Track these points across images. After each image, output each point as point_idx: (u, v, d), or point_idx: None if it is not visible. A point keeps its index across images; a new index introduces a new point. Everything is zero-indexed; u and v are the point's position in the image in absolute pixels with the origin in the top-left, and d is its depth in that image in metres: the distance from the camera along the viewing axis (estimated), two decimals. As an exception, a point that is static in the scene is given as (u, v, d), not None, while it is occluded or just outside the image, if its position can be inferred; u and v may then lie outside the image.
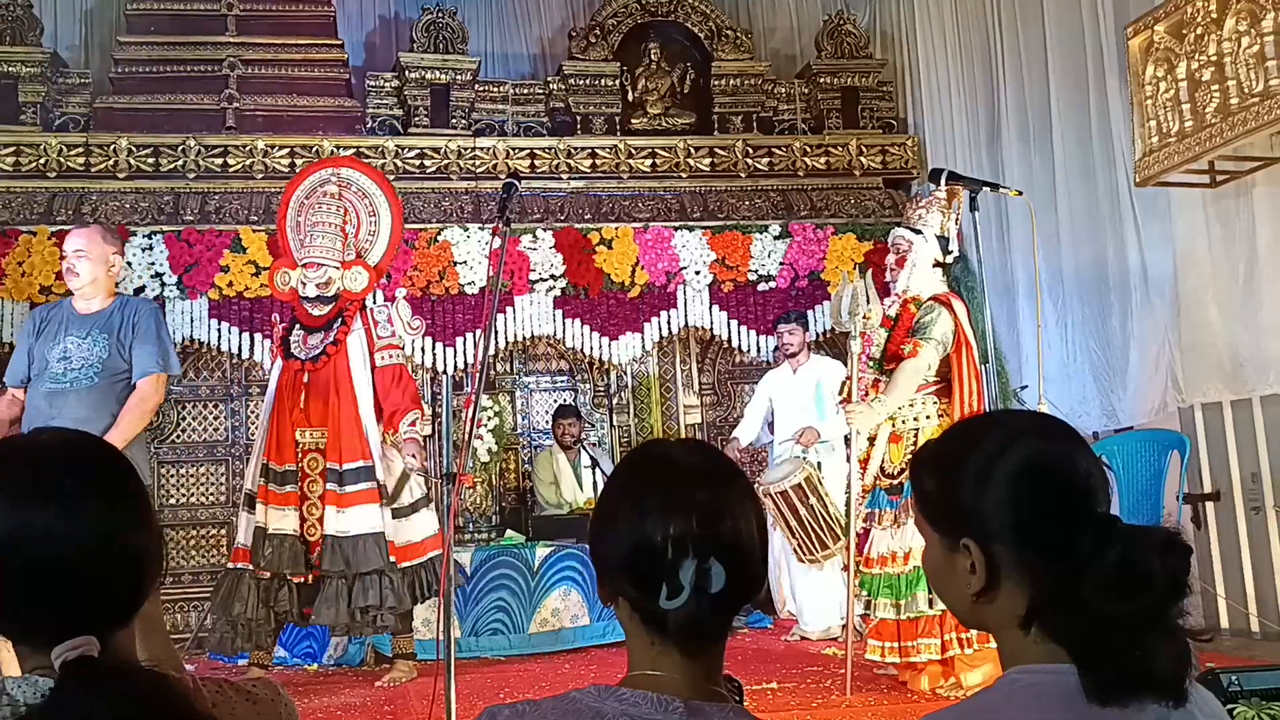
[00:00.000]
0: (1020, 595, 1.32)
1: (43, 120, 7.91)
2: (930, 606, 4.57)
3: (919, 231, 4.94)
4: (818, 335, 8.01)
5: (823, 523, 5.99)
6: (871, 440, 4.91)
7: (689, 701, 1.27)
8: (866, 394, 4.87)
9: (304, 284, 5.63)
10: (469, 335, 7.80)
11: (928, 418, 4.80)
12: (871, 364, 4.95)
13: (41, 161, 7.71)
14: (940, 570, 1.42)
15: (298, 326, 5.70)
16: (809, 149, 8.83)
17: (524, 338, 8.00)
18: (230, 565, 5.56)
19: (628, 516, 1.32)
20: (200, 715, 1.13)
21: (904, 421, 4.84)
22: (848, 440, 4.97)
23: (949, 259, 4.97)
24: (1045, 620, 1.30)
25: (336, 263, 5.62)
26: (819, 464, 6.31)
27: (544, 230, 7.96)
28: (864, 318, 4.85)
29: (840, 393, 5.21)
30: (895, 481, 4.80)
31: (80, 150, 7.83)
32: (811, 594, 6.58)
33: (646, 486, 1.34)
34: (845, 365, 5.46)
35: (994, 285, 7.51)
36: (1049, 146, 7.37)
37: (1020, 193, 4.75)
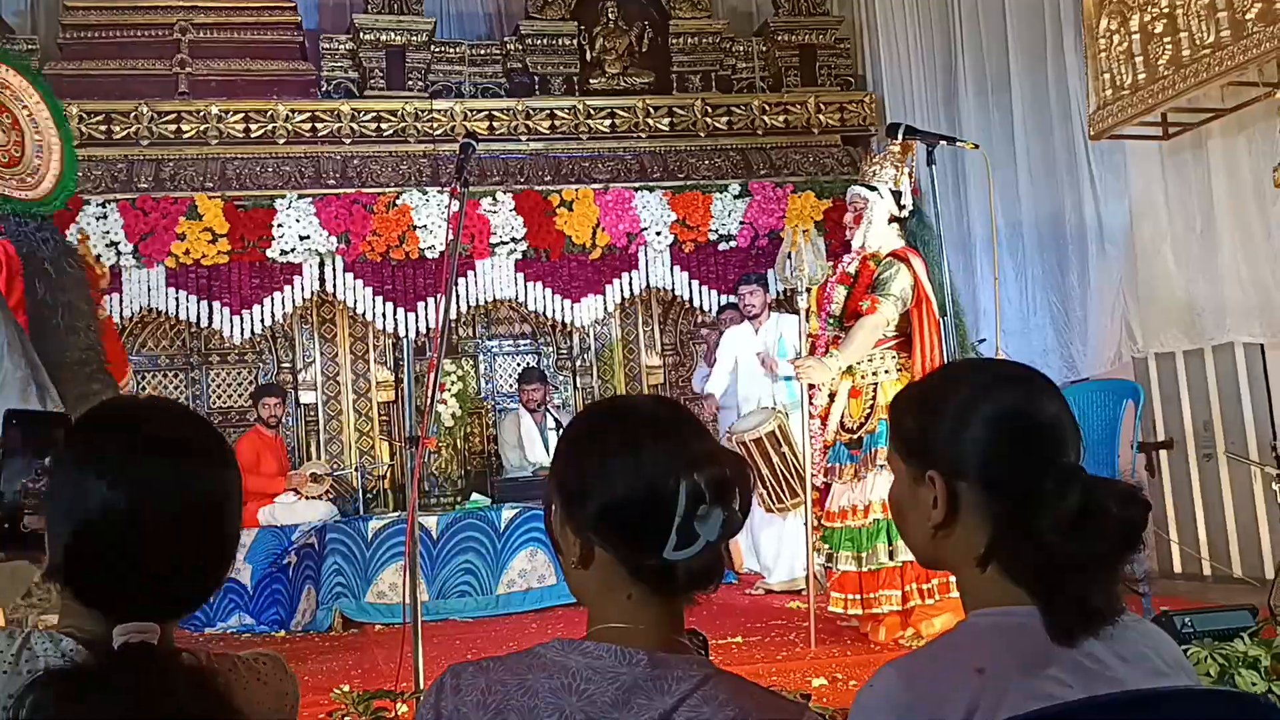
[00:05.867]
0: (978, 533, 1.36)
1: (-11, 88, 7.76)
2: (890, 559, 4.62)
3: (874, 188, 4.96)
4: (778, 294, 8.03)
5: (794, 471, 6.03)
6: (832, 396, 4.96)
7: (653, 654, 1.27)
8: (827, 350, 4.90)
9: None
10: (430, 300, 7.77)
11: (886, 372, 4.83)
12: (831, 321, 4.98)
13: (-11, 130, 7.57)
14: (904, 503, 1.45)
15: None
16: (768, 107, 8.81)
17: (486, 302, 7.97)
18: None
19: (623, 470, 1.29)
20: (232, 709, 1.16)
21: (863, 376, 4.87)
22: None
23: (904, 213, 5.00)
24: (1002, 559, 1.34)
25: None
26: (786, 413, 6.36)
27: (504, 193, 7.91)
28: (805, 273, 4.90)
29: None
30: (855, 436, 4.84)
31: (29, 118, 7.68)
32: (775, 544, 6.64)
33: (637, 438, 1.31)
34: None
35: (951, 239, 7.56)
36: (1006, 101, 7.39)
37: (977, 145, 4.77)
